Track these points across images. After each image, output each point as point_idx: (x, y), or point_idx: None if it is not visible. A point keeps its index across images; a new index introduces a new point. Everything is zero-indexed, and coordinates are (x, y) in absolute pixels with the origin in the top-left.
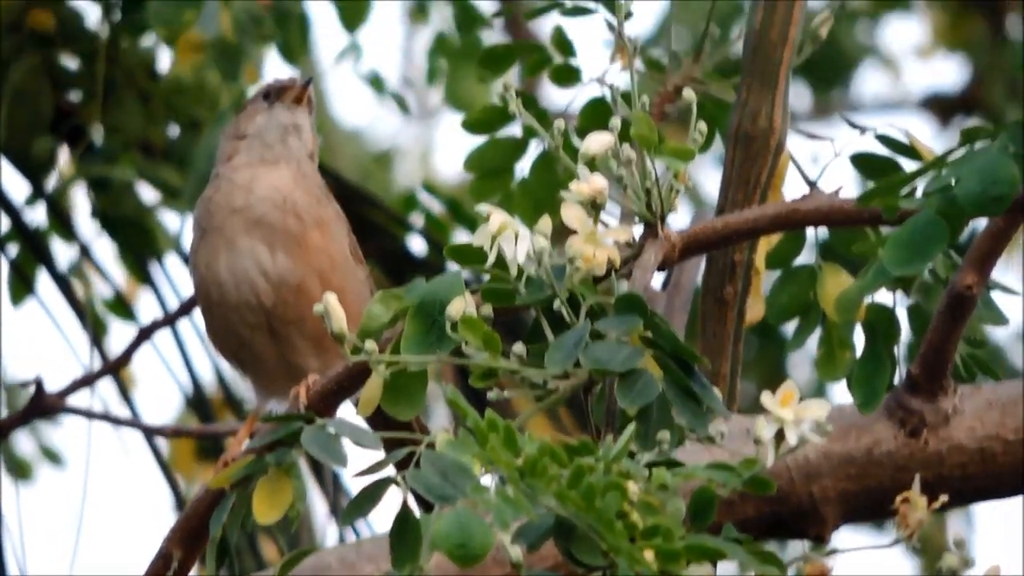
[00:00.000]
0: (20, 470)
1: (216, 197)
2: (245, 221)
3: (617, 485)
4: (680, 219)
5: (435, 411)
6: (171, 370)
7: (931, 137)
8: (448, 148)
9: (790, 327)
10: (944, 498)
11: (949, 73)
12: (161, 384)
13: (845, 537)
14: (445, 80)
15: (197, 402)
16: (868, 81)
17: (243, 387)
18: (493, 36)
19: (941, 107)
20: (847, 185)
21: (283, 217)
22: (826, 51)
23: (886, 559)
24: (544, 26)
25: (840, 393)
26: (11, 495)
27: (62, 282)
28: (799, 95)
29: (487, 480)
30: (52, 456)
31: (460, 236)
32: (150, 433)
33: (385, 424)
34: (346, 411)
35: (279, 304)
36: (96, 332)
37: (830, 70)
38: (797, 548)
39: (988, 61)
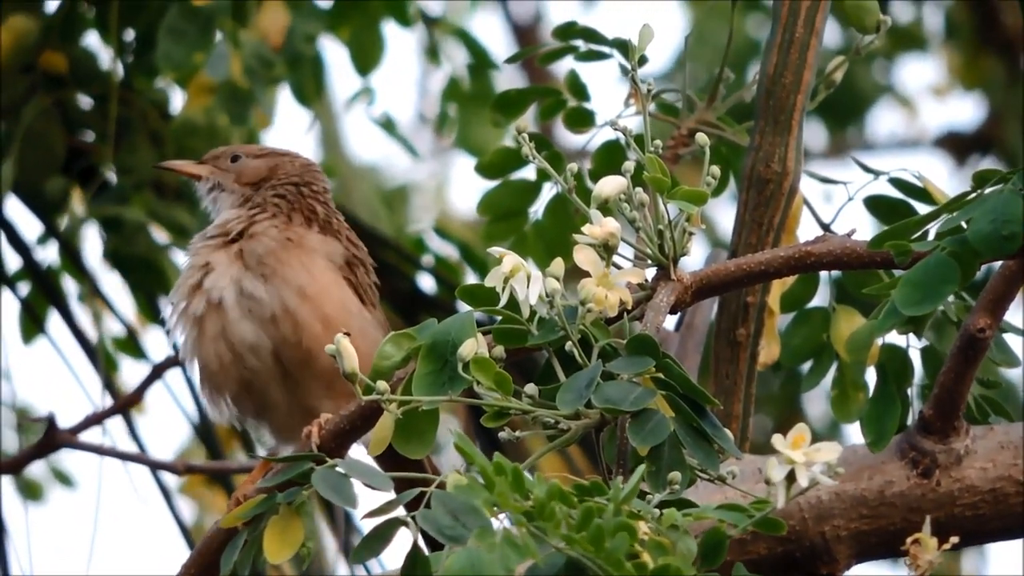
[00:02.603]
0: (31, 491)
1: None
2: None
3: (627, 526)
4: (695, 259)
5: (447, 449)
6: (178, 401)
7: (947, 176)
8: (464, 183)
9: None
10: (955, 539)
11: (965, 112)
12: (168, 412)
13: (860, 571)
14: (456, 125)
15: (204, 431)
16: (884, 120)
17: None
18: (509, 74)
19: (957, 146)
20: (862, 227)
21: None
22: (842, 90)
23: None
24: (562, 63)
25: (855, 432)
26: (20, 516)
27: (72, 321)
28: (815, 134)
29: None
30: (64, 479)
31: (472, 277)
32: (160, 469)
33: (396, 464)
34: (359, 452)
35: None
36: (107, 369)
37: (846, 109)
38: None
39: (1004, 100)
